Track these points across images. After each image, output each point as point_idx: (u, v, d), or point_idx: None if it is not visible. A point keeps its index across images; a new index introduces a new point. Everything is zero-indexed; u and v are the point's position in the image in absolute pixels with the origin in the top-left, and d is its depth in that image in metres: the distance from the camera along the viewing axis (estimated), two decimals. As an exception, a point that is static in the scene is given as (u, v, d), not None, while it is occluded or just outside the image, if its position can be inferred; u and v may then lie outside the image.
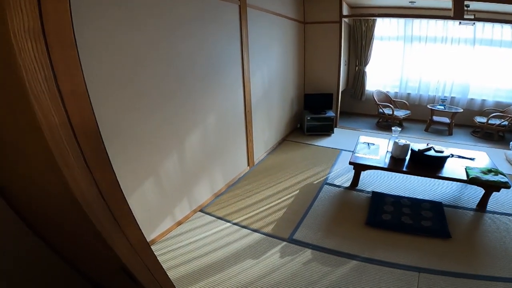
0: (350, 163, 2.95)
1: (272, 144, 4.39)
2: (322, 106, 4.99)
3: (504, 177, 2.57)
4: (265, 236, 2.48)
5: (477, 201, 2.84)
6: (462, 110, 5.03)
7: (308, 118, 4.78)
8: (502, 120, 4.66)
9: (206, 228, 2.61)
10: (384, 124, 5.53)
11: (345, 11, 4.93)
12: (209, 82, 2.69)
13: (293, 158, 4.07)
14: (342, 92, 5.67)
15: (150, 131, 2.13)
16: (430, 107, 5.19)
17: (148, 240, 2.31)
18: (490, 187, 2.56)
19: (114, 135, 1.85)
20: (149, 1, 1.94)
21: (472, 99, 5.50)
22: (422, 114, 5.66)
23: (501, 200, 2.90)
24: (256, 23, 3.39)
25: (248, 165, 3.73)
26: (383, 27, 5.71)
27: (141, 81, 1.98)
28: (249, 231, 2.55)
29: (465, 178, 2.62)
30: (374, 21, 5.55)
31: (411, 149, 2.86)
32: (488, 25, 5.06)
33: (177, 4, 2.17)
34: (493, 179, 2.51)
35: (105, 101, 1.75)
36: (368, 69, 5.91)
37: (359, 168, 3.02)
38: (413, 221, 2.55)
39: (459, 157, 3.02)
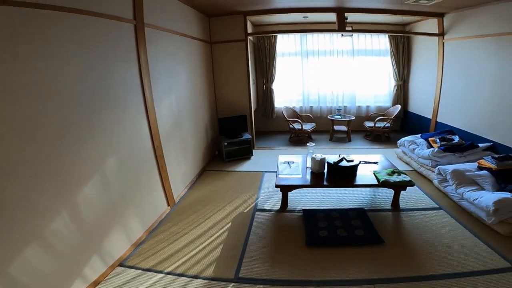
0: (277, 186, 2.93)
1: (191, 177, 4.07)
2: (238, 129, 4.97)
3: (406, 175, 2.96)
4: (208, 280, 2.19)
5: (390, 201, 3.20)
6: (354, 118, 5.78)
7: (225, 143, 4.67)
8: (385, 123, 5.55)
9: (134, 284, 2.17)
10: (296, 138, 5.88)
11: (249, 29, 5.10)
12: (100, 119, 2.23)
13: (217, 189, 3.85)
14: (254, 111, 5.81)
15: (21, 192, 1.61)
16: (330, 117, 5.79)
17: None
18: (398, 187, 2.91)
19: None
20: None
21: (359, 106, 6.44)
22: (325, 124, 6.29)
23: (407, 197, 3.33)
24: (158, 45, 3.11)
25: (168, 204, 3.33)
26: (283, 43, 6.21)
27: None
28: (188, 278, 2.22)
29: (376, 182, 2.90)
30: (275, 38, 5.98)
31: (327, 162, 3.03)
32: (363, 36, 6.10)
33: (43, 24, 1.74)
34: (399, 180, 2.85)
35: None
36: (275, 86, 6.26)
37: (285, 189, 3.03)
38: (348, 233, 2.65)
39: (365, 162, 3.36)
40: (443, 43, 4.78)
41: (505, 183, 2.84)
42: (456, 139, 3.95)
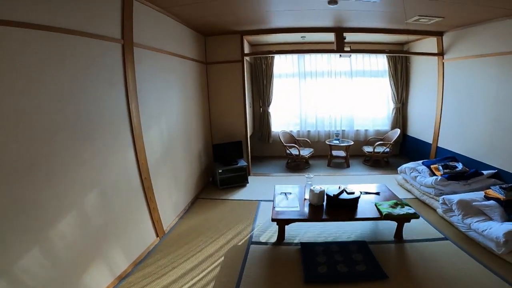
0: (273, 219, 2.74)
1: (183, 206, 3.86)
2: (233, 155, 4.81)
3: (410, 208, 2.79)
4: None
5: (393, 232, 3.01)
6: (353, 143, 5.65)
7: (220, 171, 4.49)
8: (385, 148, 5.42)
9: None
10: (293, 164, 5.73)
11: (246, 49, 5.04)
12: (79, 150, 2.06)
13: (210, 219, 3.63)
14: (250, 136, 5.69)
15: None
16: (328, 142, 5.66)
17: None
18: (402, 220, 2.74)
19: None
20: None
21: (357, 130, 6.33)
22: (322, 149, 6.15)
23: (411, 227, 3.11)
24: (148, 66, 2.97)
25: (157, 235, 3.11)
26: (280, 64, 6.15)
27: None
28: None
29: (378, 215, 2.73)
30: (272, 58, 5.92)
31: (326, 194, 2.87)
32: (361, 57, 6.05)
33: (11, 44, 1.59)
34: (403, 212, 2.69)
35: None
36: (272, 109, 6.17)
37: (282, 223, 2.83)
38: (349, 268, 2.47)
39: (366, 193, 3.19)
40: (443, 63, 4.67)
41: (513, 214, 2.70)
42: (460, 166, 3.81)
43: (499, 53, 3.56)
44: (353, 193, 2.84)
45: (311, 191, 2.81)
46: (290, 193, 3.18)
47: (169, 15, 3.41)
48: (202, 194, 4.49)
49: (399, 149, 6.32)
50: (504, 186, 2.94)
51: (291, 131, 6.24)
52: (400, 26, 4.22)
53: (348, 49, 4.59)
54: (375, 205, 2.90)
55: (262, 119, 6.22)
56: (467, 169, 3.76)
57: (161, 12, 3.22)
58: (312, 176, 3.00)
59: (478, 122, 3.95)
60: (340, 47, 4.51)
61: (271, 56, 5.89)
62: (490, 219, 2.81)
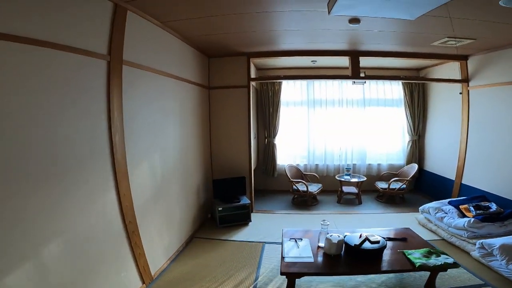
0: (282, 273, 2.25)
1: (176, 246, 3.37)
2: (235, 192, 4.36)
3: (447, 257, 2.34)
4: None
5: (423, 282, 2.56)
6: (365, 178, 5.20)
7: (220, 208, 4.03)
8: (401, 184, 4.96)
9: None
10: (300, 200, 5.25)
11: (252, 73, 4.73)
12: (39, 195, 1.64)
13: (207, 263, 3.13)
14: (254, 170, 5.30)
15: None
16: (338, 178, 5.22)
17: None
18: (439, 270, 2.26)
19: None
20: None
21: (369, 164, 5.90)
22: (332, 184, 5.68)
23: (443, 273, 2.62)
24: (141, 89, 2.59)
25: (143, 282, 2.61)
26: (288, 90, 5.81)
27: None
28: None
29: (410, 267, 2.25)
30: (280, 85, 5.59)
31: (346, 243, 2.40)
32: (374, 84, 5.68)
33: None
34: (440, 263, 2.23)
35: None
36: (277, 140, 5.79)
37: (293, 276, 2.33)
38: None
39: (390, 239, 2.72)
40: (468, 90, 4.27)
41: None
42: (493, 206, 3.35)
43: None
44: (378, 241, 2.37)
45: (328, 240, 2.35)
46: (301, 239, 2.71)
47: (169, 31, 3.12)
48: (199, 233, 4.00)
49: (413, 184, 5.81)
50: None
51: (297, 164, 5.83)
52: (421, 49, 3.91)
53: (363, 74, 4.28)
54: (404, 254, 2.42)
55: (267, 151, 5.83)
56: (502, 209, 3.29)
57: (160, 26, 2.93)
58: (328, 223, 2.55)
59: (511, 157, 3.52)
60: (355, 72, 4.20)
61: (279, 82, 5.58)
62: None
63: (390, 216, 4.48)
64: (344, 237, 2.53)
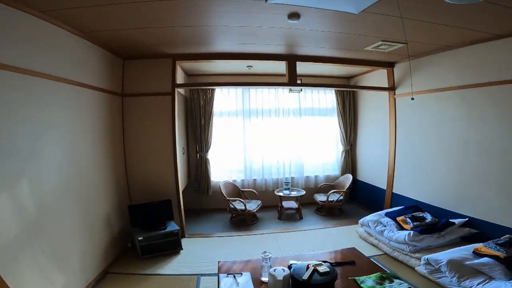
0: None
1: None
2: (159, 217, 3.65)
3: (401, 281, 2.08)
4: None
5: None
6: (304, 192, 4.99)
7: (140, 238, 3.29)
8: (338, 196, 4.88)
9: None
10: (239, 219, 4.76)
11: (180, 79, 4.11)
12: None
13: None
14: (186, 187, 4.63)
15: None
16: (277, 193, 4.91)
17: None
18: None
19: None
20: None
21: (307, 176, 5.74)
22: (271, 199, 5.32)
23: None
24: (9, 98, 1.92)
25: None
26: (222, 99, 5.33)
27: None
28: None
29: (363, 299, 1.92)
30: (213, 93, 5.08)
31: (293, 277, 1.98)
32: (310, 92, 5.58)
33: None
34: None
35: None
36: (211, 155, 5.24)
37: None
38: None
39: (338, 264, 2.40)
40: (395, 98, 4.31)
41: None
42: (428, 217, 3.36)
43: (462, 86, 3.23)
44: (327, 272, 2.00)
45: (272, 276, 1.89)
46: (241, 274, 2.20)
47: (56, 23, 2.42)
48: (116, 267, 3.20)
49: (349, 194, 5.82)
50: (499, 242, 2.47)
51: (234, 180, 5.35)
52: (355, 54, 3.83)
53: (300, 81, 4.07)
54: (356, 282, 2.10)
55: (199, 167, 5.22)
56: (437, 219, 3.31)
57: (40, 17, 2.23)
58: (269, 255, 2.10)
59: (441, 166, 3.60)
60: (292, 79, 3.95)
61: (211, 90, 5.07)
62: (491, 278, 2.32)
63: (332, 231, 4.29)
64: (290, 267, 2.14)
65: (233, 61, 4.05)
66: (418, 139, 3.97)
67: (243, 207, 4.41)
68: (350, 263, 2.43)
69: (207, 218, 4.97)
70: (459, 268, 2.43)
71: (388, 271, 2.26)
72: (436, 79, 3.59)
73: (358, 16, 2.39)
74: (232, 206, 4.49)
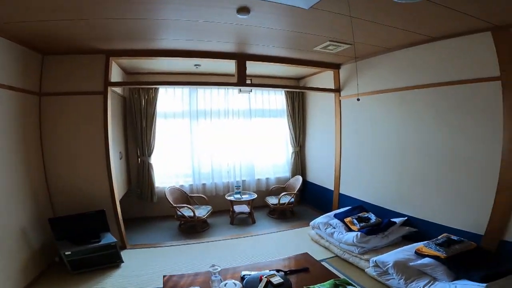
0: None
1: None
2: (92, 230, 3.22)
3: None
4: None
5: None
6: (256, 196, 4.88)
7: (68, 253, 2.86)
8: (290, 198, 4.87)
9: None
10: (188, 225, 4.45)
11: (116, 77, 3.69)
12: None
13: None
14: (126, 195, 4.17)
15: None
16: (228, 198, 4.72)
17: None
18: None
19: None
20: None
21: (258, 179, 5.66)
22: (222, 204, 5.13)
23: None
24: None
25: None
26: (166, 100, 4.95)
27: None
28: None
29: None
30: (156, 92, 4.67)
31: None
32: (260, 93, 5.51)
33: None
34: None
35: None
36: (154, 159, 4.83)
37: None
38: None
39: (292, 271, 2.31)
40: (340, 100, 4.38)
41: (460, 270, 2.34)
42: (372, 217, 3.49)
43: (401, 88, 3.37)
44: (281, 284, 1.89)
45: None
46: (189, 290, 1.97)
47: None
48: (41, 284, 2.77)
49: (299, 196, 5.89)
50: (438, 242, 2.60)
51: (181, 186, 5.01)
52: (304, 55, 3.81)
53: (249, 82, 3.95)
54: (309, 291, 2.03)
55: (141, 172, 4.77)
56: (380, 219, 3.45)
57: None
58: (218, 268, 1.91)
59: (383, 167, 3.77)
60: (242, 79, 3.80)
61: (155, 90, 4.67)
62: (435, 279, 2.40)
63: (284, 234, 4.24)
64: (243, 279, 1.99)
65: (179, 59, 3.77)
66: (362, 140, 4.11)
67: (191, 214, 4.13)
68: (303, 270, 2.36)
69: (153, 227, 4.57)
70: (405, 270, 2.49)
71: (341, 277, 2.24)
72: (379, 81, 3.71)
73: (309, 13, 2.33)
74: (180, 213, 4.17)
